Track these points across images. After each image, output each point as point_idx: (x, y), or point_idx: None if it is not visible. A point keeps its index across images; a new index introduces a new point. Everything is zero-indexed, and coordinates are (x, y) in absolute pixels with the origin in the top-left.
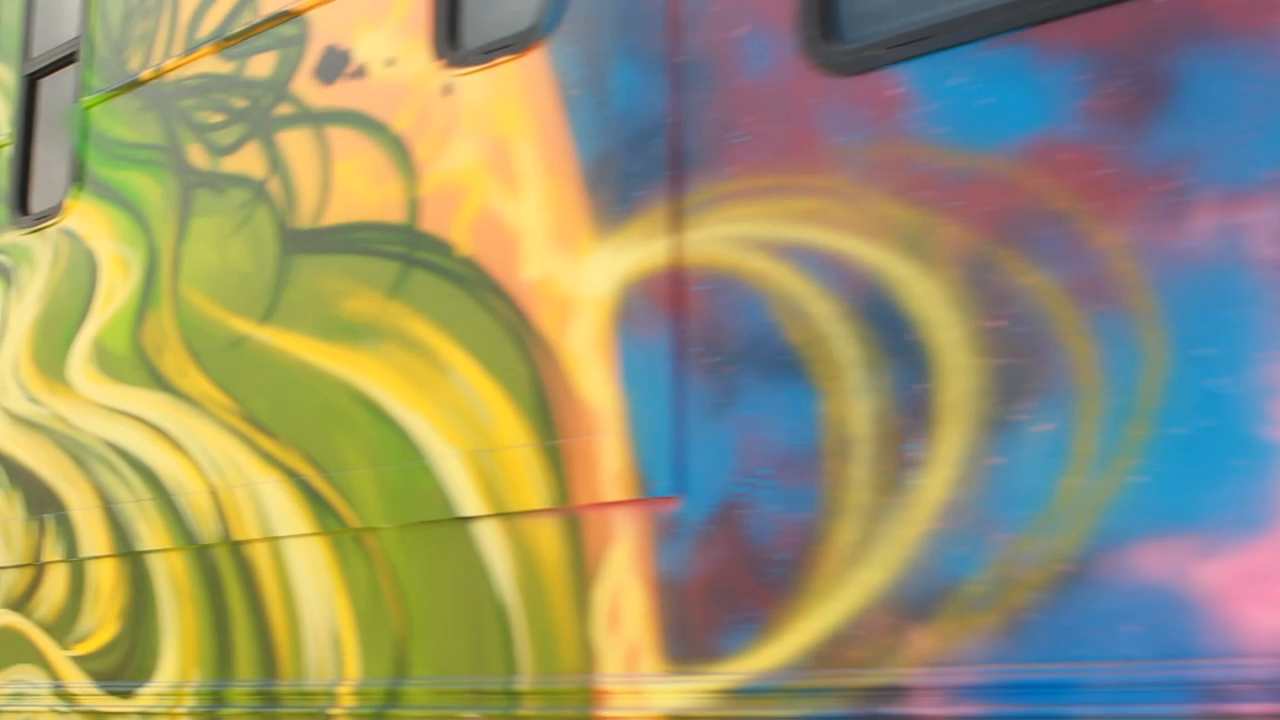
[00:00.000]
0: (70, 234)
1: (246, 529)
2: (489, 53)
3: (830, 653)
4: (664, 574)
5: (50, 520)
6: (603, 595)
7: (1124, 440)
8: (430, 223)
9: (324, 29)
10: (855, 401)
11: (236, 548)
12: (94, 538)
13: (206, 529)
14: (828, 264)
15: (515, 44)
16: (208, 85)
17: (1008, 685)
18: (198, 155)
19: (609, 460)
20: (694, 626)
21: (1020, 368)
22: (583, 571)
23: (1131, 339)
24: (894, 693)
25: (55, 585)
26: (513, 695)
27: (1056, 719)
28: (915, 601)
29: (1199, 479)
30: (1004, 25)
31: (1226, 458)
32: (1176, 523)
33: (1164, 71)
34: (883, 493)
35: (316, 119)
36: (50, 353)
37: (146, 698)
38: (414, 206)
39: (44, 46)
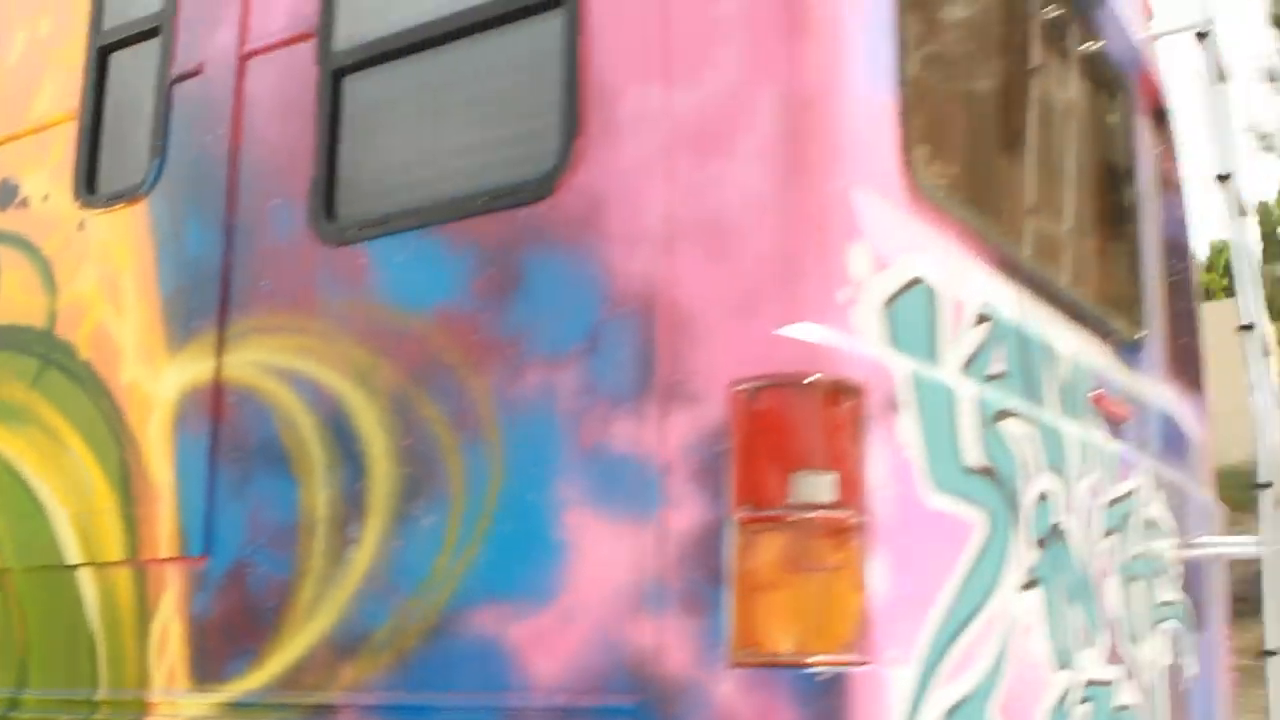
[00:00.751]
0: None
1: None
2: (110, 200)
3: (293, 678)
4: (195, 615)
5: None
6: (157, 629)
7: (474, 532)
8: (63, 331)
9: (2, 164)
10: (320, 493)
11: None
12: None
13: None
14: (311, 388)
15: (127, 195)
16: None
17: (398, 706)
18: None
19: (164, 526)
20: (211, 655)
21: (419, 476)
22: (144, 610)
23: (485, 460)
24: (330, 709)
25: None
26: (93, 704)
27: None
28: (345, 643)
29: (515, 564)
30: (429, 220)
31: (533, 550)
32: (500, 594)
33: (518, 264)
34: (332, 562)
35: None
36: None
37: None
38: (53, 317)
39: None
